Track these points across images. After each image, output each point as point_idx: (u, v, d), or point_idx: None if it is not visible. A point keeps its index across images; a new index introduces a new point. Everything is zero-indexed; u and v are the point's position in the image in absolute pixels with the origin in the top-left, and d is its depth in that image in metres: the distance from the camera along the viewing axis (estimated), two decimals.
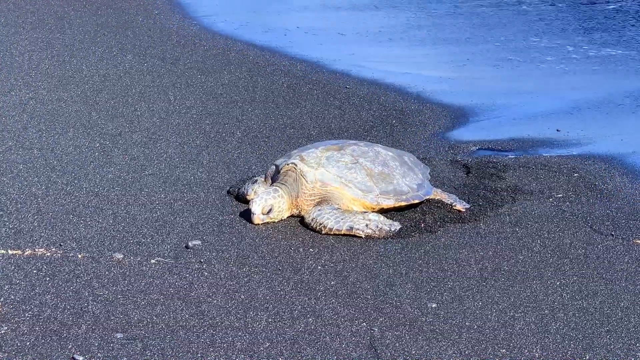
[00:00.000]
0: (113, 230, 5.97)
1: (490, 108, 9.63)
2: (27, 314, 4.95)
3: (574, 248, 6.14)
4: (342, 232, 5.86)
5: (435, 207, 6.56)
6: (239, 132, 7.93)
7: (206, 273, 5.54)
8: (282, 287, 5.44)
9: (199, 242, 5.84)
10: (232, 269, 5.62)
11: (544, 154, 7.89)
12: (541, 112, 9.64)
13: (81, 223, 6.04)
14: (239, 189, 6.34)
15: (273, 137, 7.96)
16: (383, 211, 6.12)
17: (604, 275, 5.81)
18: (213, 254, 5.78)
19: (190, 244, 5.81)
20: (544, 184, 7.11)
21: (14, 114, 8.50)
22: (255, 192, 6.01)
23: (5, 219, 6.01)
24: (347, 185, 5.93)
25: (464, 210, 6.38)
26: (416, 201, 6.21)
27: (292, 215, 6.08)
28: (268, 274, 5.58)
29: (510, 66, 12.13)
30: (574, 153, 7.95)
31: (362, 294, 5.42)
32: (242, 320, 5.06)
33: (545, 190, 6.98)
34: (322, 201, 5.96)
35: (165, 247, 5.81)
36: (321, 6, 17.02)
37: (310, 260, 5.74)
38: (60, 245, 5.70)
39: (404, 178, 6.09)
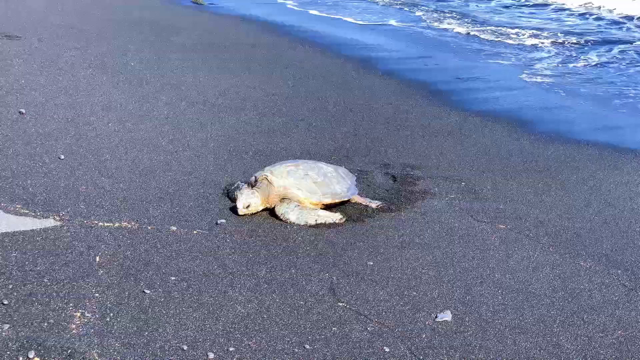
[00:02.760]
0: (171, 212, 5.92)
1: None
2: (115, 264, 4.97)
3: (460, 230, 6.11)
4: (300, 225, 5.95)
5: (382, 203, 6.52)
6: (251, 152, 7.68)
7: (228, 240, 5.55)
8: (276, 250, 5.45)
9: (225, 221, 5.87)
10: (245, 238, 5.62)
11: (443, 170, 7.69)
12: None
13: (150, 206, 5.97)
14: (229, 192, 6.37)
15: (274, 155, 7.66)
16: (326, 205, 6.23)
17: (479, 247, 5.85)
18: (233, 228, 5.76)
19: (219, 221, 5.84)
20: (442, 188, 7.03)
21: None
22: (240, 193, 6.03)
23: (104, 203, 5.92)
24: (300, 189, 6.10)
25: (375, 206, 6.42)
26: (345, 199, 6.32)
27: (265, 209, 6.10)
28: (267, 242, 5.59)
29: None
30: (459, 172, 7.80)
31: (325, 255, 5.44)
32: (250, 270, 5.11)
33: (442, 193, 6.91)
34: (284, 199, 6.06)
35: (203, 223, 5.76)
36: None
37: (294, 234, 5.77)
38: (137, 220, 5.66)
39: (338, 184, 6.25)
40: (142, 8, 16.58)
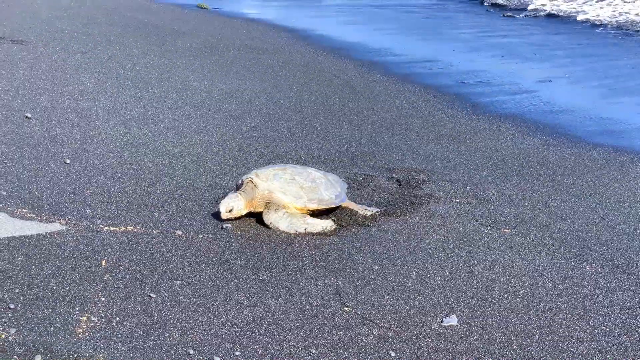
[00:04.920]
0: (176, 216, 5.90)
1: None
2: (121, 268, 4.98)
3: (465, 234, 6.08)
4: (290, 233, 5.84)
5: (381, 209, 6.45)
6: (256, 156, 7.68)
7: (234, 244, 5.53)
8: (281, 254, 5.41)
9: (230, 225, 5.85)
10: (250, 242, 5.60)
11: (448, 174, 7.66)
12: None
13: (156, 210, 5.97)
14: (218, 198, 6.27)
15: (279, 160, 7.65)
16: (311, 211, 6.06)
17: (485, 251, 5.84)
18: (238, 233, 5.75)
19: (224, 225, 5.83)
20: (447, 193, 7.03)
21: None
22: (224, 196, 5.99)
23: (109, 207, 5.91)
24: (285, 194, 5.92)
25: (371, 213, 6.30)
26: (333, 205, 6.15)
27: (249, 213, 5.96)
28: (273, 246, 5.57)
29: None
30: (464, 174, 7.78)
31: (331, 259, 5.41)
32: (255, 274, 5.09)
33: (448, 197, 6.91)
34: (269, 203, 5.92)
35: (209, 227, 5.75)
36: None
37: (299, 238, 5.74)
38: (143, 225, 5.65)
39: (326, 190, 6.08)
40: (146, 12, 16.63)
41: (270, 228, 5.89)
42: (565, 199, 7.20)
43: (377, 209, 6.39)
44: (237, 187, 6.11)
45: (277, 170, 6.11)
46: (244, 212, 5.94)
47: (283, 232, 5.83)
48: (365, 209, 6.36)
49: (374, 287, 5.09)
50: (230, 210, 5.85)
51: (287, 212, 5.91)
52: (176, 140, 7.87)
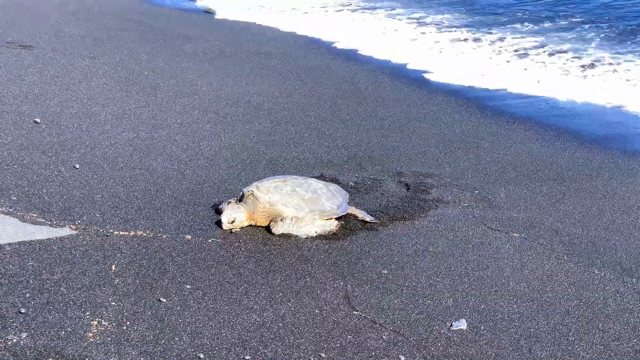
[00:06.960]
0: (185, 220, 5.92)
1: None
2: (131, 272, 5.00)
3: (474, 238, 6.11)
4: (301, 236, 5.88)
5: (389, 213, 6.48)
6: (264, 161, 7.70)
7: (243, 249, 5.54)
8: (290, 259, 5.43)
9: (239, 230, 5.87)
10: (259, 247, 5.60)
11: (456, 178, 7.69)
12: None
13: (165, 215, 5.99)
14: (218, 205, 6.24)
15: (287, 164, 7.69)
16: None
17: (493, 255, 5.84)
18: (248, 237, 5.73)
19: (233, 230, 5.85)
20: (456, 197, 7.01)
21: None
22: (226, 207, 5.95)
23: (119, 212, 5.93)
24: (286, 205, 5.92)
25: (369, 220, 6.26)
26: (334, 216, 6.12)
27: (250, 225, 5.95)
28: (282, 250, 5.58)
29: None
30: (472, 179, 7.78)
31: (340, 263, 5.42)
32: (265, 279, 5.10)
33: (456, 201, 6.89)
34: (271, 216, 5.92)
35: (218, 232, 5.74)
36: None
37: (309, 243, 5.75)
38: (152, 229, 5.67)
39: (328, 201, 6.07)
40: (154, 17, 16.68)
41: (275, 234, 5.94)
42: (573, 203, 7.21)
43: (375, 220, 6.32)
44: (238, 200, 6.12)
45: (277, 182, 6.11)
46: (245, 224, 5.96)
47: (293, 235, 5.88)
48: (364, 216, 6.35)
49: (383, 291, 5.10)
50: (233, 222, 5.86)
51: (293, 219, 5.93)
52: (185, 145, 7.88)
